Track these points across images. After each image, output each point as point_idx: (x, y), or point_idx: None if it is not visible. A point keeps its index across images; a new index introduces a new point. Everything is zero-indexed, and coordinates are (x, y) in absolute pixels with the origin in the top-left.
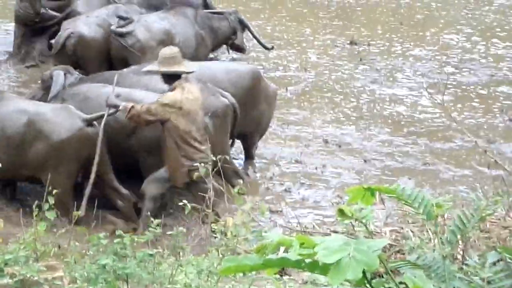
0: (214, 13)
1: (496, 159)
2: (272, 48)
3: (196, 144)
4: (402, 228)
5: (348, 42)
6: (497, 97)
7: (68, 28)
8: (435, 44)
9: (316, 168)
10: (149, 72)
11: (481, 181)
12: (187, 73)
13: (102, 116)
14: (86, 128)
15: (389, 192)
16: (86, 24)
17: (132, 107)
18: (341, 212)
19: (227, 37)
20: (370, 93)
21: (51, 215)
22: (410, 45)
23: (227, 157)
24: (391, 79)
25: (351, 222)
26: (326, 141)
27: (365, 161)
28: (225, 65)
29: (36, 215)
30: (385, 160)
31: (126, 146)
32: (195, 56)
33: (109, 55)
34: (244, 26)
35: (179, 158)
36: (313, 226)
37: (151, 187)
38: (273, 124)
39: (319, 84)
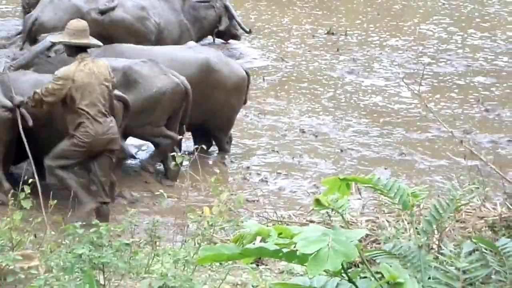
0: (201, 1)
1: (472, 149)
2: (250, 31)
3: (87, 119)
4: (378, 218)
5: (326, 32)
6: (474, 88)
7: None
8: (412, 35)
9: (292, 158)
10: (61, 43)
11: (457, 171)
12: (95, 46)
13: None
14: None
15: (365, 182)
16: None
17: (35, 93)
18: (318, 202)
19: (213, 26)
20: (347, 83)
21: (26, 204)
22: (387, 35)
23: (170, 135)
24: (368, 69)
25: (327, 212)
26: (303, 131)
27: (341, 151)
28: (174, 53)
29: (11, 204)
30: (361, 150)
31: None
32: (178, 44)
33: None
34: (229, 13)
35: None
36: (290, 216)
37: (51, 161)
38: (250, 114)
39: (296, 74)
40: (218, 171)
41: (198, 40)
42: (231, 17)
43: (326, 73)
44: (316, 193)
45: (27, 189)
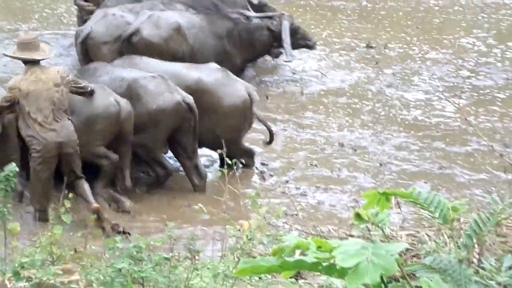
0: (261, 17)
1: None
2: (290, 61)
3: (36, 126)
4: (418, 232)
5: (365, 45)
6: None
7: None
8: (452, 48)
9: (331, 172)
10: (8, 56)
11: (497, 185)
12: (35, 60)
13: None
14: None
15: (405, 196)
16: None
17: None
18: (358, 216)
19: (267, 47)
20: (386, 97)
21: (67, 218)
22: (427, 48)
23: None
24: (407, 82)
25: (367, 226)
26: (341, 145)
27: (380, 164)
28: (177, 71)
29: (52, 218)
30: (401, 164)
31: None
32: None
33: None
34: (280, 32)
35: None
36: (329, 230)
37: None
38: (288, 128)
39: (335, 88)
40: (256, 185)
41: (251, 61)
42: (282, 39)
43: (365, 87)
44: (355, 207)
45: (67, 204)
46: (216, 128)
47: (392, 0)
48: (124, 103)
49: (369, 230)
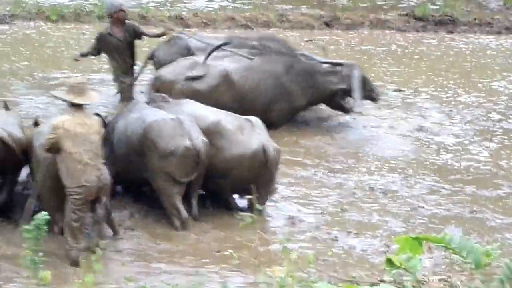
0: (331, 63)
1: None
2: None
3: (80, 166)
4: (450, 277)
5: (394, 89)
6: None
7: None
8: (483, 91)
9: (362, 217)
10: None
11: None
12: (83, 104)
13: None
14: None
15: (437, 241)
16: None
17: (49, 141)
18: (389, 262)
19: (331, 92)
20: (416, 140)
21: (98, 266)
22: (458, 92)
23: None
24: (438, 126)
25: (399, 271)
26: (372, 189)
27: (411, 209)
28: (193, 112)
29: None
30: (432, 208)
31: None
32: (267, 107)
33: None
34: (351, 83)
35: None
36: (361, 275)
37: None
38: (318, 172)
39: (365, 132)
40: (287, 230)
41: (312, 104)
42: (351, 88)
43: (395, 130)
44: (387, 252)
45: (100, 252)
46: (218, 176)
47: (422, 44)
48: (199, 143)
49: (401, 276)
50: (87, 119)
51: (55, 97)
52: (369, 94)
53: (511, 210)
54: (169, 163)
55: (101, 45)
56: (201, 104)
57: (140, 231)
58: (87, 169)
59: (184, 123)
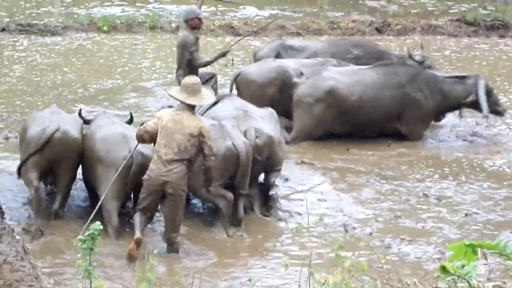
0: (453, 77)
1: None
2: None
3: (155, 157)
4: (505, 283)
5: None
6: None
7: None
8: None
9: (416, 223)
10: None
11: None
12: (193, 103)
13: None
14: None
15: (491, 248)
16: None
17: (140, 128)
18: (444, 269)
19: (459, 100)
20: (469, 146)
21: (152, 275)
22: (508, 97)
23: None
24: (491, 131)
25: (453, 279)
26: (426, 195)
27: (466, 215)
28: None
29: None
30: (486, 213)
31: None
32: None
33: None
34: (477, 93)
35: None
36: (415, 283)
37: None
38: (370, 179)
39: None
40: (340, 237)
41: (443, 113)
42: (477, 96)
43: (448, 137)
44: (441, 259)
45: (153, 260)
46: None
47: (475, 49)
48: (240, 145)
49: (455, 283)
50: (186, 121)
51: (170, 95)
52: (495, 108)
53: None
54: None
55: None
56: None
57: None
58: (159, 162)
59: (224, 127)
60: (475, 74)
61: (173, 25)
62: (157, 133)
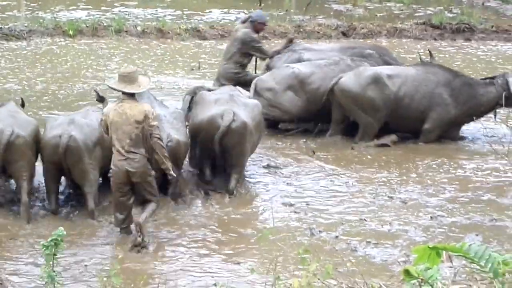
0: (483, 78)
1: None
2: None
3: (114, 152)
4: (470, 286)
5: None
6: None
7: None
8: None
9: (382, 226)
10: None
11: None
12: (128, 92)
13: None
14: None
15: (455, 250)
16: None
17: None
18: (407, 272)
19: (492, 103)
20: (436, 148)
21: (117, 280)
22: None
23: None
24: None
25: (418, 281)
26: (391, 198)
27: (431, 217)
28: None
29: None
30: (451, 216)
31: None
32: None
33: None
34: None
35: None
36: (380, 286)
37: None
38: (336, 181)
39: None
40: (305, 240)
41: (475, 116)
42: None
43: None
44: (406, 261)
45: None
46: None
47: (442, 52)
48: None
49: (419, 286)
50: (129, 110)
51: (108, 86)
52: None
53: None
54: None
55: None
56: None
57: None
58: (118, 156)
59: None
60: (503, 73)
61: (139, 28)
62: (106, 129)
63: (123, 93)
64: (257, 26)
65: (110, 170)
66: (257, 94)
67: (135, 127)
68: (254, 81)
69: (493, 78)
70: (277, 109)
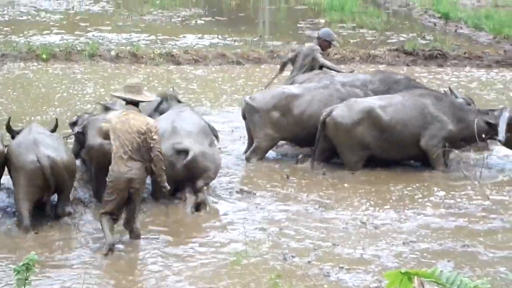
0: (480, 110)
1: None
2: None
3: (115, 159)
4: None
5: None
6: None
7: None
8: None
9: (354, 251)
10: (115, 96)
11: None
12: (141, 102)
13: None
14: None
15: (426, 276)
16: None
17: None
18: None
19: (480, 133)
20: (408, 174)
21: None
22: None
23: None
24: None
25: None
26: (364, 223)
27: (404, 243)
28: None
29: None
30: (424, 242)
31: None
32: (422, 134)
33: None
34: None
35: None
36: None
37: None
38: (310, 207)
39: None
40: (278, 266)
41: (464, 141)
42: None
43: (391, 166)
44: (379, 287)
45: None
46: None
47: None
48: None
49: None
50: (133, 120)
51: (114, 96)
52: None
53: (503, 244)
54: None
55: None
56: None
57: None
58: (120, 162)
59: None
60: (502, 107)
61: (113, 53)
62: (107, 135)
63: (128, 103)
64: (324, 44)
65: (109, 176)
66: (248, 112)
67: (138, 136)
68: (245, 99)
69: (492, 110)
70: (264, 129)
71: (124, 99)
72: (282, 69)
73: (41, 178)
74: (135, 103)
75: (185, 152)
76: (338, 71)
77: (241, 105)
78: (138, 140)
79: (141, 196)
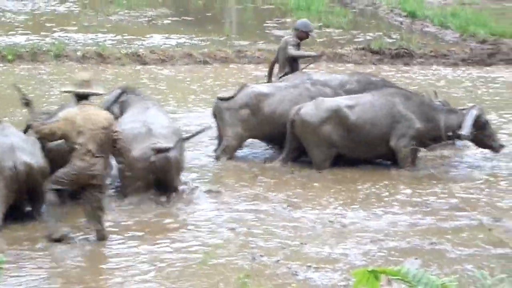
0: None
1: (502, 237)
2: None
3: (79, 155)
4: None
5: None
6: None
7: None
8: None
9: (322, 250)
10: (66, 92)
11: (487, 260)
12: (94, 94)
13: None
14: None
15: (393, 274)
16: None
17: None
18: None
19: (449, 130)
20: (376, 172)
21: None
22: None
23: None
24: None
25: None
26: (331, 222)
27: (371, 241)
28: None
29: None
30: (391, 240)
31: None
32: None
33: None
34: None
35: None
36: None
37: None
38: (277, 206)
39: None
40: (246, 265)
41: (433, 140)
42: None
43: (359, 165)
44: (347, 286)
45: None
46: None
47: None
48: None
49: None
50: (94, 116)
51: (65, 91)
52: (489, 142)
53: (470, 241)
54: None
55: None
56: None
57: None
58: (83, 160)
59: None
60: (473, 105)
61: (79, 53)
62: (63, 133)
63: (81, 97)
64: (301, 35)
65: (71, 170)
66: (217, 111)
67: (101, 132)
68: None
69: (462, 109)
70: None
71: (76, 94)
72: (271, 71)
73: (17, 183)
74: (86, 97)
75: (164, 150)
76: (306, 56)
77: (210, 105)
78: (102, 135)
79: (105, 193)
